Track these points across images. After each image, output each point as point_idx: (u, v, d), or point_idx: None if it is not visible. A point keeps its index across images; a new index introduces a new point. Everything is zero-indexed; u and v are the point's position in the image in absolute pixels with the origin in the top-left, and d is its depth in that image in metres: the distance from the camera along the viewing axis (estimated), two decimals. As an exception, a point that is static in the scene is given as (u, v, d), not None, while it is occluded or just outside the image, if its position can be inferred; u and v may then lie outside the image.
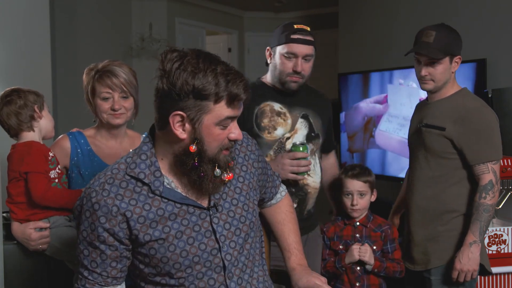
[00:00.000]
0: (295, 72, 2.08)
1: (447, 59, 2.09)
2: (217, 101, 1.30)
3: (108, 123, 1.96)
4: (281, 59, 2.10)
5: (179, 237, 1.37)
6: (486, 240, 2.61)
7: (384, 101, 3.86)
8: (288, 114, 2.16)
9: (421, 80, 2.15)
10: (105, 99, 1.91)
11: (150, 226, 1.36)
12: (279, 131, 2.15)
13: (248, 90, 1.34)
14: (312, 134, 2.20)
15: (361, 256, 2.16)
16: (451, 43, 2.09)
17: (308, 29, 2.11)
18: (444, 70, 2.10)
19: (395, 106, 3.76)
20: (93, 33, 4.74)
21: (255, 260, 1.52)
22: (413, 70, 2.26)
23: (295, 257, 1.66)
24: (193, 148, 1.33)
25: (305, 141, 2.16)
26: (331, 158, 2.43)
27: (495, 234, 2.67)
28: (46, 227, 1.90)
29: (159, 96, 1.33)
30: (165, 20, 5.60)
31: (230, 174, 1.40)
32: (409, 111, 2.40)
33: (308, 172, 2.14)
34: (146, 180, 1.36)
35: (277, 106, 2.16)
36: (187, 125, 1.32)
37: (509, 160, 2.67)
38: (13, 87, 1.96)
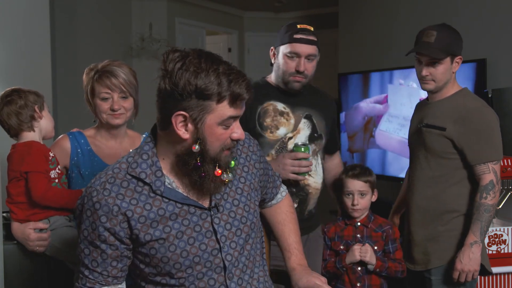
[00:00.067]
0: (298, 72, 2.08)
1: (448, 59, 2.09)
2: (219, 100, 1.30)
3: (108, 123, 1.96)
4: (284, 59, 2.10)
5: (180, 237, 1.37)
6: (486, 240, 2.61)
7: (384, 101, 3.86)
8: (291, 114, 2.16)
9: (422, 80, 2.15)
10: (105, 99, 1.91)
11: (151, 226, 1.36)
12: (282, 131, 2.15)
13: (250, 90, 1.33)
14: (315, 134, 2.19)
15: (362, 256, 2.16)
16: (452, 43, 2.09)
17: (312, 29, 2.11)
18: (445, 70, 2.10)
19: (395, 106, 3.76)
20: (93, 33, 4.74)
21: (256, 260, 1.52)
22: (413, 70, 2.26)
23: (295, 257, 1.66)
24: (195, 148, 1.33)
25: (307, 142, 2.16)
26: (336, 159, 2.43)
27: (495, 234, 2.67)
28: (45, 228, 1.90)
29: (161, 96, 1.33)
30: (165, 20, 5.60)
31: (230, 176, 1.40)
32: (409, 111, 2.41)
33: (309, 173, 2.14)
34: (147, 180, 1.36)
35: (280, 106, 2.16)
36: (189, 125, 1.32)
37: (509, 160, 2.67)
38: (13, 87, 1.96)
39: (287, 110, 2.16)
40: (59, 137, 2.03)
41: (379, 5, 4.56)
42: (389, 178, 3.81)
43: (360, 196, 2.22)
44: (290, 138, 2.16)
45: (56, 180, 1.92)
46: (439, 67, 2.09)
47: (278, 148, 2.14)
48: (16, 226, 1.92)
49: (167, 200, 1.37)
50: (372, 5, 4.67)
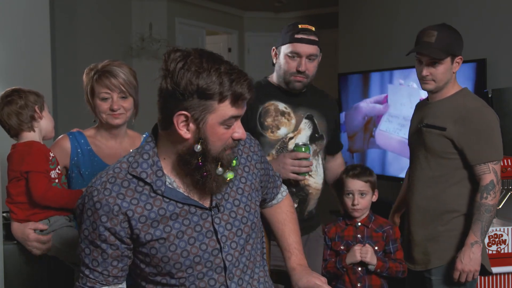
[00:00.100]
0: (299, 71, 2.08)
1: (448, 59, 2.09)
2: (221, 100, 1.30)
3: (107, 123, 1.96)
4: (285, 59, 2.11)
5: (180, 237, 1.37)
6: (486, 240, 2.61)
7: (384, 101, 3.86)
8: (292, 114, 2.16)
9: (422, 80, 2.15)
10: (104, 99, 1.91)
11: (152, 225, 1.36)
12: (282, 131, 2.15)
13: (252, 89, 1.34)
14: (316, 135, 2.19)
15: (362, 257, 2.15)
16: (453, 43, 2.09)
17: (313, 29, 2.11)
18: (446, 70, 2.10)
19: (395, 106, 3.76)
20: (93, 33, 4.74)
21: (256, 261, 1.52)
22: (413, 70, 2.26)
23: (295, 257, 1.66)
24: (197, 147, 1.33)
25: (308, 142, 2.16)
26: (338, 159, 2.43)
27: (495, 234, 2.67)
28: (45, 229, 1.89)
29: (163, 96, 1.33)
30: (165, 20, 5.60)
31: (232, 174, 1.41)
32: (409, 111, 2.41)
33: (310, 173, 2.14)
34: (148, 180, 1.36)
35: (281, 106, 2.16)
36: (191, 125, 1.32)
37: (509, 160, 2.67)
38: (13, 87, 1.96)
39: (289, 110, 2.16)
40: (59, 137, 2.03)
41: (379, 5, 4.56)
42: (389, 178, 3.81)
43: (360, 196, 2.22)
44: (291, 138, 2.16)
45: (56, 180, 1.92)
46: (440, 67, 2.09)
47: (278, 148, 2.14)
48: (16, 226, 1.92)
49: (167, 200, 1.37)
50: (372, 5, 4.67)
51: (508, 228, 2.68)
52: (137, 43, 5.36)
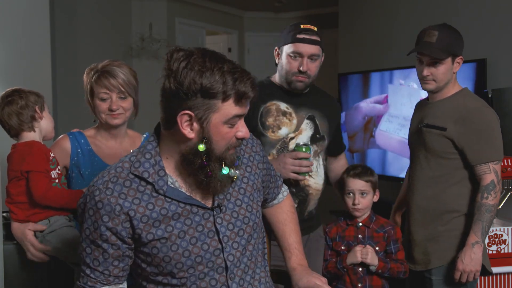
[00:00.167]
0: (301, 71, 2.08)
1: (449, 59, 2.09)
2: (225, 99, 1.30)
3: (107, 123, 1.96)
4: (287, 59, 2.11)
5: (182, 237, 1.37)
6: (486, 240, 2.61)
7: (384, 101, 3.86)
8: (294, 114, 2.16)
9: (423, 80, 2.15)
10: (103, 99, 1.91)
11: (153, 225, 1.35)
12: (283, 131, 2.15)
13: (255, 88, 1.33)
14: (317, 135, 2.19)
15: (363, 257, 2.15)
16: (453, 43, 2.09)
17: (315, 29, 2.11)
18: (446, 71, 2.10)
19: (395, 106, 3.76)
20: (93, 33, 4.74)
21: (257, 261, 1.52)
22: (413, 70, 2.26)
23: (296, 257, 1.66)
24: (201, 147, 1.32)
25: (308, 142, 2.16)
26: (342, 160, 2.43)
27: (495, 234, 2.67)
28: (43, 229, 1.89)
29: (166, 96, 1.32)
30: (165, 20, 5.60)
31: (237, 172, 1.41)
32: (410, 111, 2.41)
33: (310, 173, 2.14)
34: (150, 179, 1.36)
35: (283, 106, 2.16)
36: (195, 124, 1.31)
37: (509, 160, 2.67)
38: (14, 88, 1.96)
39: (290, 110, 2.16)
40: (59, 137, 2.03)
41: (379, 5, 4.56)
42: (389, 178, 3.81)
43: (361, 196, 2.21)
44: (292, 138, 2.16)
45: (56, 181, 1.92)
46: (440, 67, 2.09)
47: (279, 148, 2.14)
48: (16, 226, 1.92)
49: (169, 200, 1.37)
50: (372, 5, 4.67)
51: (508, 228, 2.68)
52: (137, 43, 5.36)
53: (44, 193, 1.84)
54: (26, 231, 1.88)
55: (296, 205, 2.13)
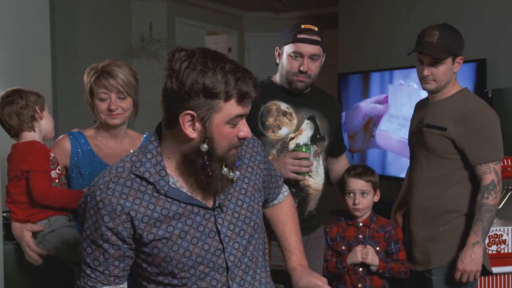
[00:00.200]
0: (301, 71, 2.08)
1: (449, 59, 2.09)
2: (227, 99, 1.30)
3: (106, 123, 1.96)
4: (288, 59, 2.11)
5: (183, 237, 1.37)
6: (486, 240, 2.61)
7: (384, 101, 3.86)
8: (294, 115, 2.16)
9: (423, 80, 2.15)
10: (102, 99, 1.91)
11: (154, 225, 1.35)
12: (284, 131, 2.15)
13: (257, 88, 1.34)
14: (318, 136, 2.19)
15: (363, 258, 2.15)
16: (454, 43, 2.09)
17: (316, 29, 2.11)
18: (447, 71, 2.10)
19: (395, 106, 3.76)
20: (93, 33, 4.74)
21: (258, 261, 1.52)
22: (413, 70, 2.26)
23: (296, 257, 1.66)
24: (204, 147, 1.32)
25: (308, 143, 2.16)
26: (343, 161, 2.43)
27: (495, 234, 2.67)
28: (40, 230, 1.89)
29: (168, 96, 1.32)
30: (165, 20, 5.60)
31: (237, 173, 1.41)
32: (410, 111, 2.41)
33: (310, 173, 2.14)
34: (151, 179, 1.36)
35: (283, 106, 2.16)
36: (197, 124, 1.31)
37: (509, 160, 2.67)
38: (14, 88, 1.97)
39: (291, 110, 2.16)
40: (59, 137, 2.04)
41: (379, 5, 4.56)
42: (389, 178, 3.81)
43: (362, 196, 2.21)
44: (292, 138, 2.16)
45: (56, 181, 1.92)
46: (441, 67, 2.09)
47: (279, 148, 2.14)
48: (16, 226, 1.92)
49: (170, 200, 1.37)
50: (372, 5, 4.67)
51: (508, 228, 2.68)
52: (137, 43, 5.36)
53: (44, 192, 1.84)
54: (24, 232, 1.88)
55: (296, 205, 2.13)
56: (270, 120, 2.13)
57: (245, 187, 1.49)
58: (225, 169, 1.37)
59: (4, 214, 2.10)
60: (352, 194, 2.23)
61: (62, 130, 2.20)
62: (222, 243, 1.41)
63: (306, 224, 2.17)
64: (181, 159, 1.38)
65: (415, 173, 2.25)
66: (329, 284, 1.59)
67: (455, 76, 2.17)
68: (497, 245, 2.68)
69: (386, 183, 3.72)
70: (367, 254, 2.14)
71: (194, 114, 1.30)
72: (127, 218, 1.34)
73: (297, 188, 2.16)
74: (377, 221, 2.24)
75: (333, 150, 2.35)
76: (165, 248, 1.36)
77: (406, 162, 2.63)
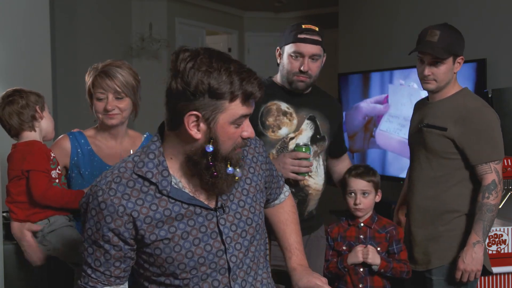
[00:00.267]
0: (301, 71, 2.08)
1: (450, 59, 2.09)
2: (232, 99, 1.30)
3: (103, 123, 1.96)
4: (289, 59, 2.11)
5: (185, 238, 1.36)
6: (486, 240, 2.61)
7: (384, 101, 3.86)
8: (294, 115, 2.16)
9: (424, 80, 2.15)
10: (100, 99, 1.92)
11: (156, 226, 1.35)
12: (284, 131, 2.15)
13: (262, 88, 1.34)
14: (318, 136, 2.19)
15: (364, 257, 2.14)
16: (455, 43, 2.09)
17: (317, 29, 2.11)
18: (447, 70, 2.10)
19: (395, 106, 3.76)
20: (93, 33, 4.74)
21: (260, 262, 1.51)
22: (413, 70, 2.26)
23: (296, 257, 1.66)
24: (209, 148, 1.32)
25: (308, 143, 2.16)
26: (346, 161, 2.43)
27: (495, 234, 2.67)
28: (38, 230, 1.89)
29: (172, 96, 1.31)
30: (165, 20, 5.59)
31: (240, 172, 1.41)
32: (410, 111, 2.41)
33: (310, 174, 2.14)
34: (153, 180, 1.35)
35: (284, 106, 2.16)
36: (202, 125, 1.31)
37: (509, 160, 2.67)
38: (14, 88, 1.97)
39: (291, 110, 2.16)
40: (59, 137, 2.04)
41: (379, 5, 4.56)
42: (389, 178, 3.81)
43: (363, 196, 2.21)
44: (292, 138, 2.16)
45: (57, 180, 1.92)
46: (442, 67, 2.09)
47: (279, 147, 2.14)
48: (16, 226, 1.92)
49: (173, 201, 1.37)
50: (372, 5, 4.67)
51: (508, 228, 2.68)
52: (137, 43, 5.36)
53: (44, 192, 1.84)
54: (24, 232, 1.88)
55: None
56: (270, 120, 2.14)
57: (247, 187, 1.49)
58: (230, 168, 1.36)
59: (4, 214, 2.10)
60: (353, 194, 2.22)
61: (62, 130, 2.20)
62: (224, 244, 1.40)
63: (306, 224, 2.17)
64: (184, 160, 1.37)
65: (415, 173, 2.25)
66: (330, 284, 1.59)
67: (455, 76, 2.17)
68: (497, 245, 2.68)
69: (386, 183, 3.71)
70: (367, 254, 2.14)
71: (199, 114, 1.29)
72: (129, 219, 1.33)
73: (297, 188, 2.16)
74: (378, 221, 2.24)
75: (334, 151, 2.35)
76: (167, 249, 1.35)
77: (406, 162, 2.63)
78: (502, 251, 2.68)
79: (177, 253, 1.36)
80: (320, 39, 2.11)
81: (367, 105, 4.01)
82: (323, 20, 6.12)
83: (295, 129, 2.16)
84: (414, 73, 2.30)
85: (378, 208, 2.32)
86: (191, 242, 1.37)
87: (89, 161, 1.98)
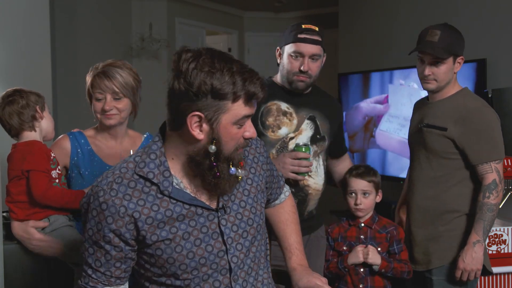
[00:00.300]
0: (301, 71, 2.09)
1: (450, 59, 2.09)
2: (235, 100, 1.30)
3: (102, 124, 1.96)
4: (289, 59, 2.11)
5: (186, 238, 1.36)
6: (486, 240, 2.61)
7: (384, 101, 3.86)
8: (294, 115, 2.17)
9: (424, 80, 2.15)
10: (98, 99, 1.92)
11: (158, 226, 1.35)
12: (283, 131, 2.15)
13: (264, 88, 1.34)
14: (318, 136, 2.20)
15: (364, 257, 2.14)
16: (455, 43, 2.09)
17: (317, 29, 2.11)
18: (448, 70, 2.10)
19: (395, 106, 3.76)
20: (93, 33, 4.74)
21: (260, 263, 1.51)
22: (413, 70, 2.26)
23: (296, 257, 1.66)
24: (212, 148, 1.32)
25: (308, 143, 2.16)
26: (346, 161, 2.43)
27: (495, 234, 2.67)
28: (45, 226, 1.90)
29: (175, 97, 1.31)
30: (165, 20, 5.59)
31: (242, 172, 1.41)
32: (410, 112, 2.41)
33: (310, 173, 2.14)
34: (155, 180, 1.35)
35: (284, 106, 2.16)
36: (204, 126, 1.31)
37: (509, 160, 2.67)
38: (15, 88, 1.97)
39: (291, 110, 2.17)
40: (59, 137, 2.04)
41: (379, 5, 4.56)
42: (389, 178, 3.81)
43: (363, 196, 2.21)
44: (292, 138, 2.16)
45: (57, 180, 1.92)
46: (442, 67, 2.09)
47: (279, 147, 2.14)
48: (16, 225, 1.91)
49: (174, 201, 1.36)
50: (372, 5, 4.67)
51: (508, 228, 2.68)
52: (137, 43, 5.36)
53: (44, 192, 1.84)
54: (30, 230, 1.88)
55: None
56: (270, 120, 2.14)
57: (248, 188, 1.49)
58: (232, 168, 1.36)
59: (4, 214, 2.09)
60: (353, 194, 2.22)
61: (62, 130, 2.20)
62: (225, 245, 1.40)
63: (307, 224, 2.17)
64: (186, 160, 1.37)
65: (415, 173, 2.25)
66: (331, 284, 1.59)
67: (455, 76, 2.17)
68: (497, 245, 2.68)
69: (386, 183, 3.70)
70: (368, 254, 2.14)
71: (202, 115, 1.29)
72: (130, 219, 1.33)
73: (297, 188, 2.16)
74: (379, 222, 2.24)
75: (335, 151, 2.35)
76: (168, 249, 1.35)
77: (406, 162, 2.63)
78: (502, 251, 2.68)
79: (178, 253, 1.36)
80: (320, 39, 2.11)
81: (367, 105, 4.01)
82: (323, 20, 6.12)
83: (295, 129, 2.17)
84: (414, 73, 2.30)
85: (378, 208, 2.32)
86: (192, 243, 1.37)
87: (89, 161, 1.98)
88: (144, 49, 5.37)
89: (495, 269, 2.50)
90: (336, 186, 2.46)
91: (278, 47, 2.19)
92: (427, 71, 2.11)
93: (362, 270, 2.17)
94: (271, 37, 5.98)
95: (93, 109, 1.95)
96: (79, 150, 1.97)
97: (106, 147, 2.02)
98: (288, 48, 2.11)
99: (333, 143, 2.28)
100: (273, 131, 2.14)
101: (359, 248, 2.16)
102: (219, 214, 1.41)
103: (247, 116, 1.34)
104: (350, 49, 5.01)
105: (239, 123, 1.33)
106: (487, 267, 2.16)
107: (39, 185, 1.84)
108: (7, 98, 1.92)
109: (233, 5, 6.52)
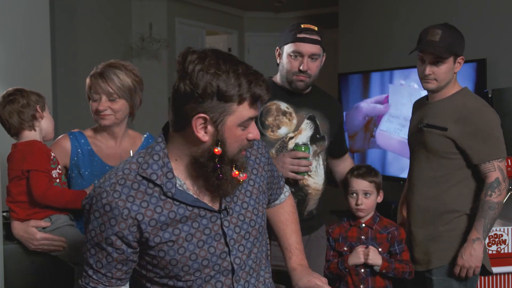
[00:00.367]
0: (301, 71, 2.09)
1: (451, 58, 2.09)
2: (240, 102, 1.29)
3: (98, 124, 1.97)
4: (288, 59, 2.11)
5: (189, 240, 1.36)
6: (486, 240, 2.61)
7: (385, 101, 3.86)
8: (294, 114, 2.17)
9: (424, 79, 2.15)
10: (94, 100, 1.94)
11: (161, 228, 1.34)
12: (283, 130, 2.15)
13: (269, 90, 1.34)
14: (317, 136, 2.20)
15: (365, 258, 2.14)
16: (456, 43, 2.09)
17: (316, 28, 2.11)
18: (448, 70, 2.10)
19: (396, 106, 3.76)
20: (93, 33, 4.73)
21: (262, 263, 1.51)
22: (414, 70, 2.26)
23: (296, 257, 1.66)
24: (217, 150, 1.31)
25: (308, 142, 2.16)
26: (348, 161, 2.43)
27: (495, 234, 2.67)
28: (47, 226, 1.90)
29: (180, 98, 1.30)
30: (165, 20, 5.59)
31: (245, 174, 1.40)
32: (410, 111, 2.41)
33: (309, 173, 2.14)
34: (158, 182, 1.34)
35: (283, 106, 2.16)
36: (209, 127, 1.30)
37: (509, 160, 2.67)
38: (15, 87, 1.97)
39: (290, 110, 2.17)
40: (60, 136, 2.04)
41: (379, 5, 4.56)
42: (389, 178, 3.80)
43: (364, 196, 2.20)
44: (291, 138, 2.16)
45: (57, 180, 1.92)
46: (442, 67, 2.09)
47: (278, 147, 2.14)
48: (17, 225, 1.91)
49: (177, 203, 1.36)
50: (372, 5, 4.67)
51: (508, 228, 2.69)
52: (137, 43, 5.36)
53: (44, 192, 1.84)
54: (31, 230, 1.88)
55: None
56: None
57: (250, 189, 1.49)
58: (235, 170, 1.36)
59: (4, 214, 2.09)
60: (354, 194, 2.22)
61: (62, 130, 2.20)
62: (228, 246, 1.40)
63: (307, 224, 2.17)
64: (190, 162, 1.36)
65: (415, 173, 2.25)
66: (331, 285, 1.59)
67: (455, 76, 2.17)
68: (497, 245, 2.68)
69: (386, 183, 3.68)
70: (368, 255, 2.13)
71: (207, 117, 1.29)
72: (133, 222, 1.32)
73: (296, 188, 2.16)
74: (380, 222, 2.24)
75: (335, 151, 2.35)
76: (171, 251, 1.35)
77: (406, 162, 2.62)
78: (502, 251, 2.68)
79: (181, 255, 1.35)
80: (319, 39, 2.11)
81: (367, 105, 4.01)
82: (323, 20, 6.12)
83: (295, 129, 2.17)
84: (414, 73, 2.30)
85: (379, 208, 2.32)
86: (195, 244, 1.36)
87: (89, 161, 1.98)
88: (144, 49, 5.37)
89: (495, 269, 2.50)
90: (336, 187, 2.46)
91: (277, 47, 2.19)
92: (428, 70, 2.11)
93: (362, 270, 2.17)
94: (271, 37, 5.98)
95: (90, 109, 1.96)
96: (79, 150, 1.97)
97: (106, 147, 2.02)
98: (287, 48, 2.11)
99: (333, 143, 2.28)
100: (272, 131, 2.14)
101: (360, 249, 2.16)
102: (222, 215, 1.41)
103: (251, 118, 1.33)
104: (350, 49, 5.01)
105: (244, 125, 1.33)
106: (487, 267, 2.16)
107: (39, 185, 1.84)
108: (8, 97, 1.92)
109: (233, 5, 6.52)
